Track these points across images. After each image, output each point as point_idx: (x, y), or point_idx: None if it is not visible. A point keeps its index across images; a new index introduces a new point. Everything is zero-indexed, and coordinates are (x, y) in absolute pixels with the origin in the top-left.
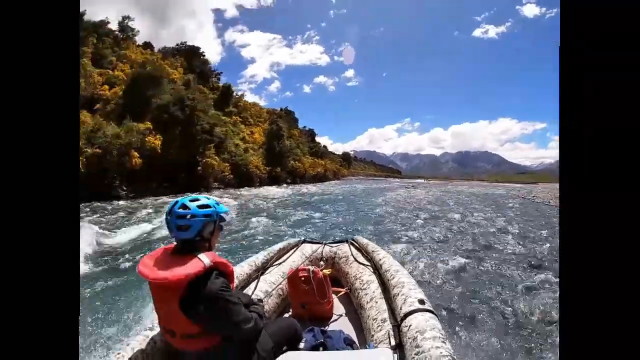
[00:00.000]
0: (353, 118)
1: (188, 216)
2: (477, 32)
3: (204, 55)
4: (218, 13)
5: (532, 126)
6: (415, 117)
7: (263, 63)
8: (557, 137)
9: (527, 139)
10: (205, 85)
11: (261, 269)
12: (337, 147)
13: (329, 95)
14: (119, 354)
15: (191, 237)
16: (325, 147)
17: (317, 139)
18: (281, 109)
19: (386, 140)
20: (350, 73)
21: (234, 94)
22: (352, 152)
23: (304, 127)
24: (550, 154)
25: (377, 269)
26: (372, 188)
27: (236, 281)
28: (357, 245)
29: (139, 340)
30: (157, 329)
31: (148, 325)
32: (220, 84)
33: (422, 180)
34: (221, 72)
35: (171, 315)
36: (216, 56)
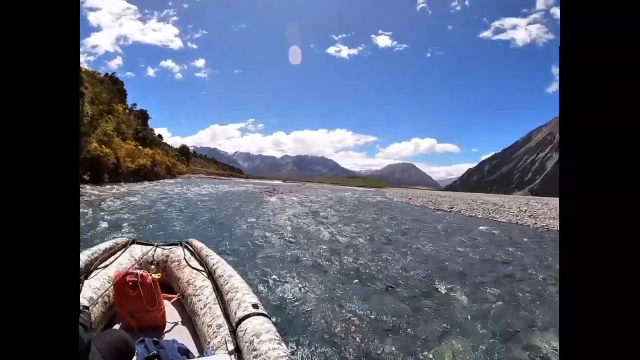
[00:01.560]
0: (197, 111)
1: None
2: (331, 50)
3: None
4: None
5: (365, 138)
6: (259, 119)
7: (109, 33)
8: (383, 150)
9: (359, 149)
10: None
11: (84, 272)
12: (175, 141)
13: (175, 83)
14: None
15: None
16: (160, 136)
17: (154, 130)
18: (106, 75)
19: (228, 138)
20: (201, 63)
21: None
22: (192, 148)
23: (134, 105)
24: (376, 162)
25: (210, 274)
26: (225, 193)
27: None
28: (190, 248)
29: None
30: None
31: None
32: None
33: (280, 182)
34: None
35: None
36: None
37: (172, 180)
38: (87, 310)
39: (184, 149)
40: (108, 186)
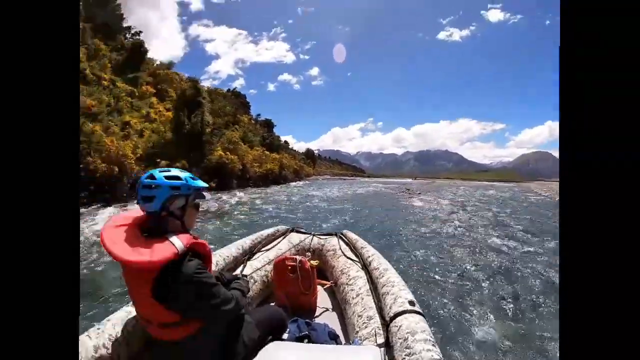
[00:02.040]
0: (317, 117)
1: (153, 186)
2: (442, 35)
3: (116, 1)
4: (183, 5)
5: (491, 126)
6: (378, 117)
7: (227, 59)
8: (514, 138)
9: (486, 139)
10: (109, 42)
11: (248, 253)
12: (300, 146)
13: (294, 94)
14: (98, 329)
15: (156, 209)
16: (286, 142)
17: (280, 137)
18: (228, 90)
19: (350, 139)
20: (315, 72)
21: (149, 57)
22: (316, 151)
23: (258, 115)
24: (507, 152)
25: (365, 266)
26: (357, 195)
27: (223, 263)
28: (345, 239)
29: (120, 317)
30: None
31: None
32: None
33: (410, 180)
34: (139, 32)
35: (144, 302)
36: (179, 51)
37: (300, 183)
38: (246, 278)
39: (309, 152)
40: (236, 191)
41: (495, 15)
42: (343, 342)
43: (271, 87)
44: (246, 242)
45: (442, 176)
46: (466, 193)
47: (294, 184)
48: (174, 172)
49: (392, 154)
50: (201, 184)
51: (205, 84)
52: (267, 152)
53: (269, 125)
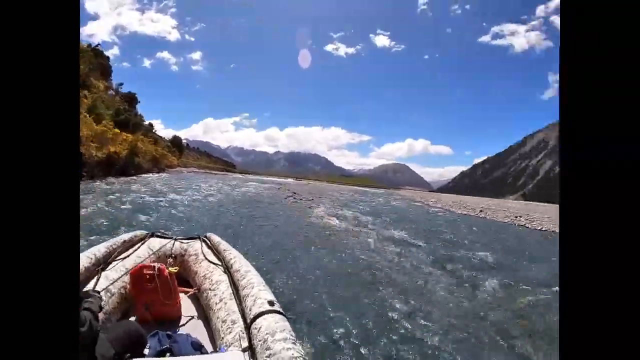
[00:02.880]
0: (191, 104)
1: None
2: (329, 47)
3: None
4: None
5: (359, 137)
6: (253, 114)
7: (106, 23)
8: (377, 149)
9: (353, 148)
10: None
11: (102, 263)
12: (168, 133)
13: (170, 75)
14: None
15: None
16: (151, 124)
17: (146, 118)
18: (89, 45)
19: (222, 132)
20: (197, 55)
21: None
22: (185, 140)
23: (120, 84)
24: (369, 161)
25: (227, 269)
26: (235, 198)
27: None
28: (208, 243)
29: None
30: None
31: None
32: None
33: (291, 180)
34: None
35: None
36: None
37: (157, 176)
38: (97, 295)
39: (176, 140)
40: None
41: (381, 40)
42: (210, 350)
43: (147, 63)
44: (100, 250)
45: (311, 178)
46: (354, 198)
47: (149, 175)
48: None
49: (264, 152)
50: None
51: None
52: (116, 130)
53: (131, 100)
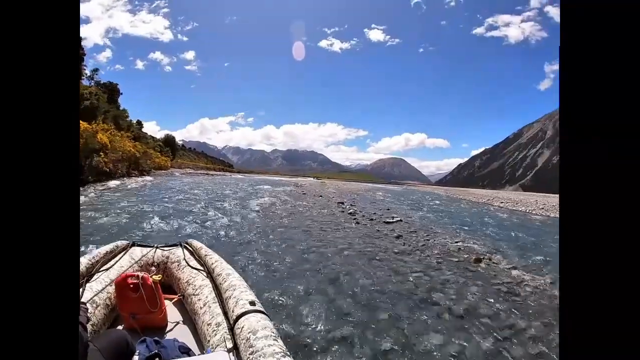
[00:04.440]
0: (186, 105)
1: None
2: (324, 43)
3: None
4: None
5: (355, 132)
6: (249, 113)
7: (98, 25)
8: (374, 144)
9: (350, 143)
10: None
11: (86, 275)
12: (164, 135)
13: (163, 76)
14: None
15: None
16: (139, 122)
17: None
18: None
19: (218, 132)
20: (190, 55)
21: None
22: (181, 141)
23: (95, 71)
24: (367, 156)
25: (210, 273)
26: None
27: None
28: (190, 249)
29: None
30: None
31: None
32: None
33: (313, 179)
34: None
35: None
36: None
37: (135, 183)
38: (84, 307)
39: (168, 139)
40: None
41: (376, 35)
42: (198, 353)
43: (140, 64)
44: (82, 262)
45: (310, 174)
46: (406, 200)
47: (123, 183)
48: None
49: (260, 150)
50: None
51: None
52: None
53: (112, 91)
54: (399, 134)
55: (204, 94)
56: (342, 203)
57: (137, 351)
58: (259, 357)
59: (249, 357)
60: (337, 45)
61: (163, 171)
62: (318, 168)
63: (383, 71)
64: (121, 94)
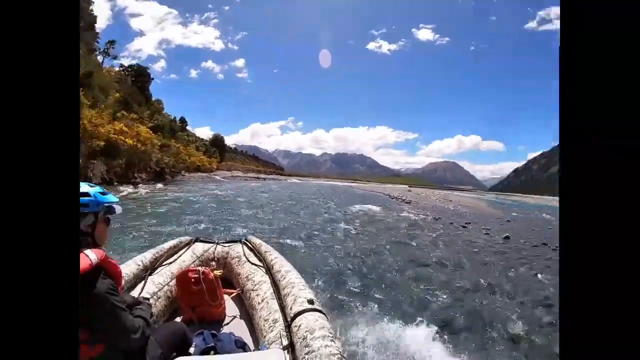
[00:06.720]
0: (238, 110)
1: None
2: (372, 46)
3: None
4: None
5: (405, 135)
6: (299, 117)
7: (152, 38)
8: (425, 147)
9: (399, 146)
10: None
11: (149, 269)
12: (212, 135)
13: (216, 83)
14: None
15: None
16: (183, 119)
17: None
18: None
19: (269, 136)
20: (241, 63)
21: None
22: (233, 145)
23: (112, 42)
24: (417, 160)
25: (269, 270)
26: None
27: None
28: (250, 245)
29: None
30: None
31: None
32: None
33: (407, 187)
34: None
35: None
36: (103, 22)
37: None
38: (147, 302)
39: (216, 139)
40: None
41: (425, 34)
42: (252, 348)
43: (193, 73)
44: (146, 256)
45: (359, 178)
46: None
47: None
48: (83, 187)
49: (310, 154)
50: (112, 198)
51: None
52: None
53: (140, 74)
54: (451, 136)
55: (255, 100)
56: (468, 224)
57: (194, 343)
58: (315, 357)
59: (304, 357)
60: (386, 47)
61: (202, 174)
62: (367, 172)
63: (433, 72)
64: (153, 79)
